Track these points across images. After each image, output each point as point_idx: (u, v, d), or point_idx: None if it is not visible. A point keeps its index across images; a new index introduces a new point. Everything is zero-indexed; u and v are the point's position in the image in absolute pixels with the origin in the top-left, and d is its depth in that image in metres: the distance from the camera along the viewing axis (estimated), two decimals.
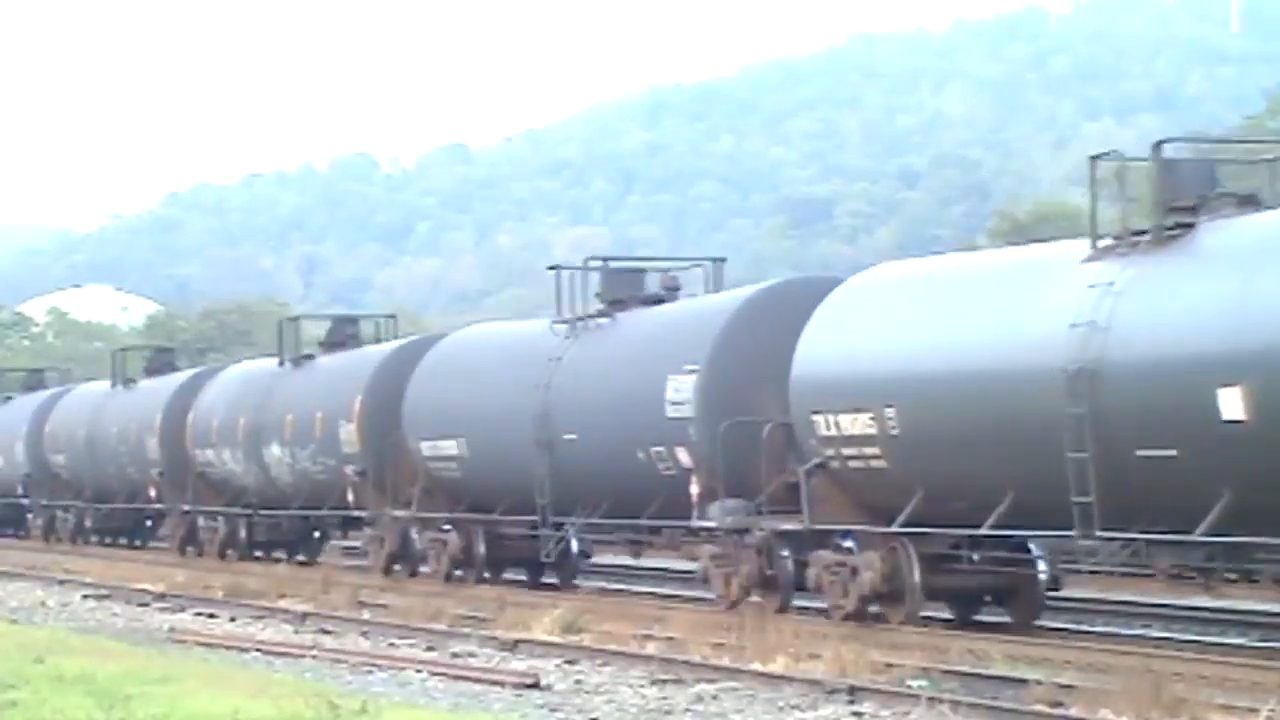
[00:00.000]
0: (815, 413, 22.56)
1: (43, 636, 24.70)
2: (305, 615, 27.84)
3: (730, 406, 24.46)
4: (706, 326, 25.38)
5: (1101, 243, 19.62)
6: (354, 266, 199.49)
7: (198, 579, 35.00)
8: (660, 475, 25.79)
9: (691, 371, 25.12)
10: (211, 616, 28.99)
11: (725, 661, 20.42)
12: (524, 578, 31.62)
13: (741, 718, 17.15)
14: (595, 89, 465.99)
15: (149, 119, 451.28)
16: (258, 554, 39.39)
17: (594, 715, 17.50)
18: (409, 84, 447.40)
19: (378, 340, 37.40)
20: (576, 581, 30.77)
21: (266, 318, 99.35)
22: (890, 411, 21.40)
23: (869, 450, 21.85)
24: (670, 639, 22.49)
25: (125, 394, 46.02)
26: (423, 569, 32.67)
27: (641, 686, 19.20)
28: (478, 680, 19.93)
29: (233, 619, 28.42)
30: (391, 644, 24.07)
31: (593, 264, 29.35)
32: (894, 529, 21.80)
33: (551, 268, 29.88)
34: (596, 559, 32.82)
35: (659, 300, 28.31)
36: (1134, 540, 18.69)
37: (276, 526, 38.80)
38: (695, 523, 24.92)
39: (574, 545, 29.86)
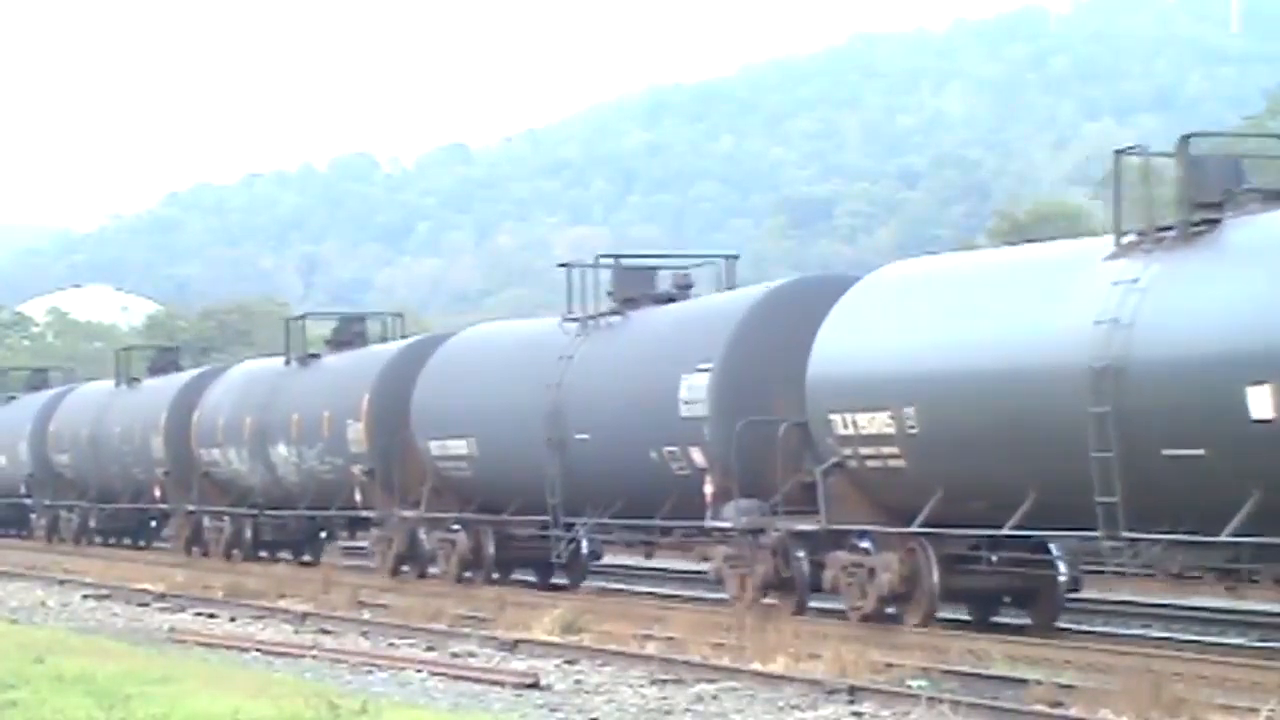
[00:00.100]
0: (832, 412, 22.30)
1: (43, 636, 24.63)
2: (305, 615, 27.76)
3: (745, 406, 24.21)
4: (721, 324, 25.11)
5: (1125, 239, 19.35)
6: (354, 266, 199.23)
7: (198, 579, 34.89)
8: (673, 475, 25.53)
9: (705, 370, 24.86)
10: (211, 616, 28.90)
11: (725, 661, 20.35)
12: (533, 578, 31.37)
13: (741, 718, 17.10)
14: (595, 89, 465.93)
15: (149, 119, 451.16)
16: (263, 554, 39.12)
17: (594, 715, 17.45)
18: (409, 84, 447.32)
19: (384, 339, 37.15)
20: (586, 582, 30.52)
21: (266, 318, 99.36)
22: (909, 410, 21.15)
23: (887, 450, 21.60)
24: (670, 639, 22.40)
25: (129, 393, 45.78)
26: (431, 570, 32.43)
27: (641, 686, 19.16)
28: (478, 680, 19.88)
29: (233, 619, 28.33)
30: (391, 644, 23.99)
31: (604, 261, 29.04)
32: (913, 529, 21.54)
33: (562, 265, 29.60)
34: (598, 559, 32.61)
35: (671, 298, 28.04)
36: (1160, 541, 18.45)
37: (283, 527, 38.54)
38: (709, 523, 24.64)
39: (584, 546, 29.61)
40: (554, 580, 30.82)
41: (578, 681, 19.76)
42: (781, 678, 18.84)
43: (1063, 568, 21.86)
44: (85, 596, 33.06)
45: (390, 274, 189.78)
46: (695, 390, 24.95)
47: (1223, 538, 17.79)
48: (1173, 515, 18.29)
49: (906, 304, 22.14)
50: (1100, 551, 19.20)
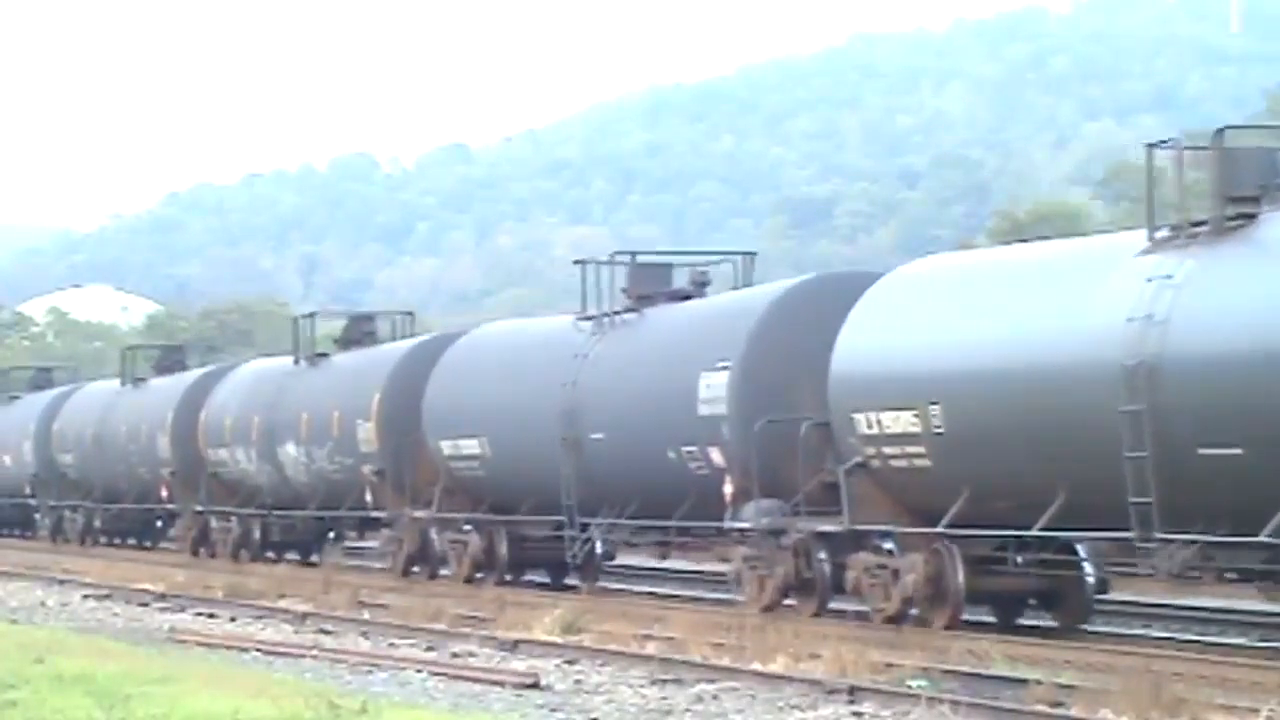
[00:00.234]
0: (856, 410, 21.97)
1: (43, 636, 24.44)
2: (305, 615, 27.61)
3: (765, 404, 23.85)
4: (740, 322, 24.76)
5: (1158, 234, 19.02)
6: (354, 266, 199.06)
7: (198, 579, 34.74)
8: (692, 475, 25.20)
9: (724, 368, 24.52)
10: (211, 616, 28.76)
11: (725, 661, 20.25)
12: (545, 579, 31.07)
13: (741, 718, 17.01)
14: (595, 89, 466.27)
15: (149, 119, 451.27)
16: (270, 555, 38.82)
17: (594, 715, 17.36)
18: (409, 84, 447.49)
19: (393, 338, 36.85)
20: (601, 583, 30.23)
21: (267, 318, 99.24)
22: (935, 409, 20.79)
23: (912, 449, 21.25)
24: (670, 639, 22.22)
25: (135, 393, 45.45)
26: (443, 570, 32.12)
27: (641, 686, 19.06)
28: (478, 680, 19.78)
29: (233, 619, 28.20)
30: (391, 644, 23.86)
31: (619, 258, 28.70)
32: (939, 530, 21.21)
33: (577, 261, 29.28)
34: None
35: (687, 296, 27.72)
36: (1195, 542, 18.14)
37: (291, 528, 38.22)
38: (729, 524, 24.29)
39: (598, 547, 29.28)
40: (567, 581, 30.50)
41: (578, 681, 19.68)
42: (781, 678, 18.75)
43: (1089, 569, 21.56)
44: (85, 596, 32.93)
45: (390, 274, 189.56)
46: (714, 388, 24.62)
47: (1261, 538, 17.44)
48: (1208, 516, 17.96)
49: (932, 301, 21.78)
50: (1132, 553, 18.90)
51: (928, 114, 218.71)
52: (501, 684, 19.37)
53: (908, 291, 22.36)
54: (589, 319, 28.44)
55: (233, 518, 39.59)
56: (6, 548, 49.10)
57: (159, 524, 46.13)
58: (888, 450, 21.61)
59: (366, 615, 27.51)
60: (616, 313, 28.09)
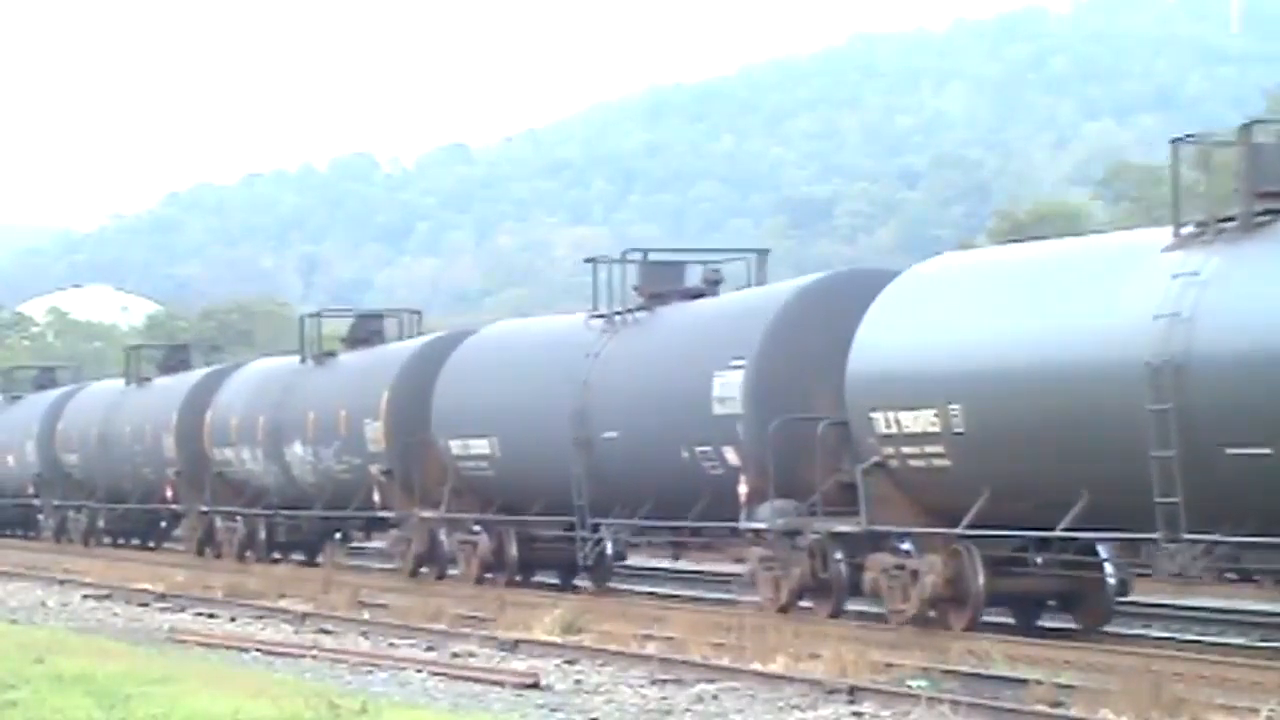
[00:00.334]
0: (874, 409, 21.68)
1: (43, 636, 24.49)
2: (305, 615, 27.57)
3: (780, 403, 23.57)
4: (755, 320, 24.47)
5: (1184, 230, 18.77)
6: (354, 266, 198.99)
7: (198, 579, 34.68)
8: (706, 475, 24.92)
9: (739, 367, 24.24)
10: (211, 616, 28.75)
11: (725, 661, 20.20)
12: (555, 580, 30.83)
13: (741, 718, 16.96)
14: (595, 89, 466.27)
15: (149, 119, 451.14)
16: (276, 556, 38.57)
17: (594, 715, 17.33)
18: (409, 84, 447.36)
19: (400, 337, 36.60)
20: (584, 582, 30.00)
21: (267, 318, 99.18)
22: (955, 408, 20.49)
23: (931, 449, 20.95)
24: (670, 639, 22.15)
25: (139, 392, 45.17)
26: (451, 571, 31.87)
27: (641, 686, 19.01)
28: (478, 680, 19.75)
29: (233, 619, 28.20)
30: (391, 644, 23.81)
31: (631, 256, 28.44)
32: (959, 531, 20.92)
33: (589, 260, 29.04)
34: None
35: (700, 294, 27.45)
36: (1223, 543, 17.90)
37: (297, 528, 37.95)
38: (745, 524, 24.00)
39: (609, 547, 29.04)
40: (576, 582, 30.28)
41: (578, 681, 19.63)
42: (781, 678, 18.70)
43: (1111, 570, 21.28)
44: (85, 596, 32.88)
45: (390, 274, 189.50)
46: (729, 387, 24.35)
47: None
48: (1236, 516, 17.70)
49: (952, 298, 21.48)
50: (1157, 554, 18.67)
51: (928, 114, 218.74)
52: (501, 684, 19.34)
53: (927, 289, 22.06)
54: (600, 317, 28.18)
55: (238, 518, 39.31)
56: (8, 548, 48.96)
57: (163, 524, 45.87)
58: (906, 450, 21.33)
59: (366, 615, 27.48)
60: (628, 311, 27.83)
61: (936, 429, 20.85)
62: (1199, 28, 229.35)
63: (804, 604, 23.59)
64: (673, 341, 26.43)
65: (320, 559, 37.90)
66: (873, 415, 21.74)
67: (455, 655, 22.22)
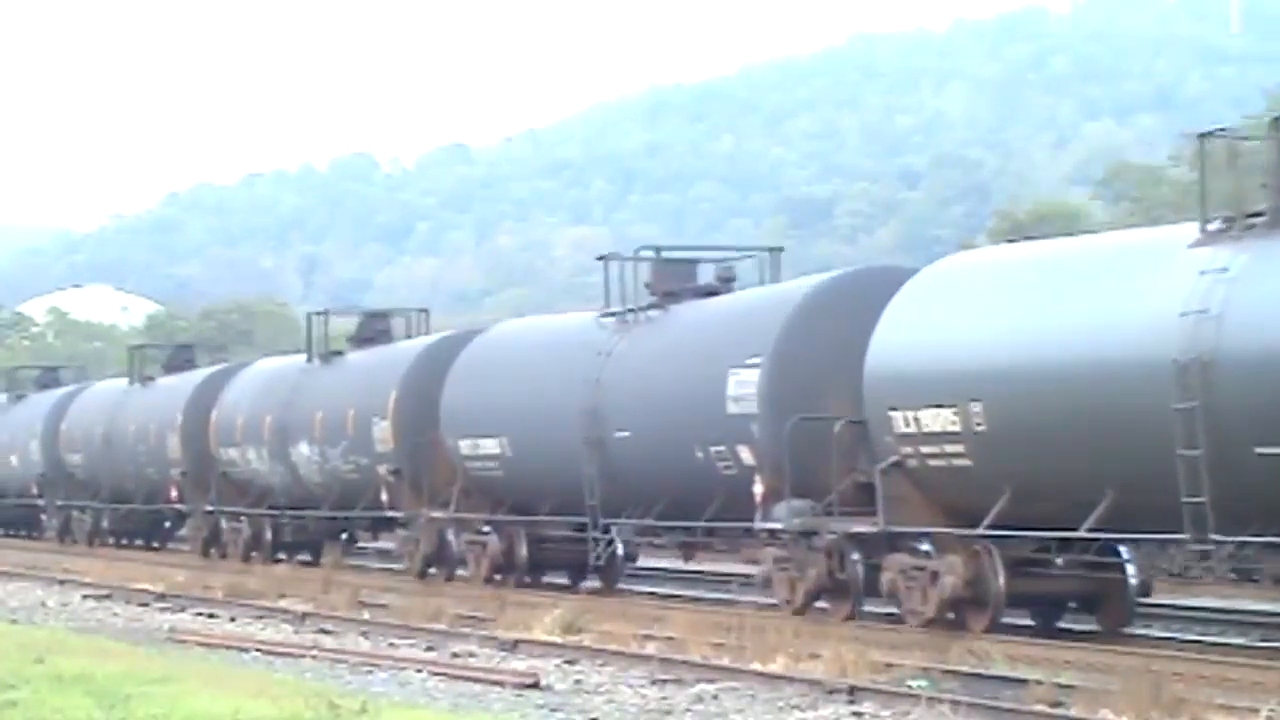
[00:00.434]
0: (892, 408, 21.46)
1: (43, 636, 24.49)
2: (305, 615, 27.54)
3: (797, 402, 23.35)
4: (771, 317, 24.25)
5: (1211, 226, 18.53)
6: (354, 266, 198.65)
7: (198, 579, 34.60)
8: (720, 474, 24.71)
9: (755, 365, 24.03)
10: (211, 616, 28.75)
11: (725, 661, 20.19)
12: (564, 581, 30.64)
13: (741, 718, 16.95)
14: (595, 89, 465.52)
15: (149, 119, 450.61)
16: (282, 556, 38.38)
17: (594, 715, 17.33)
18: (409, 84, 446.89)
19: (408, 336, 36.41)
20: (586, 583, 29.80)
21: (266, 318, 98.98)
22: (976, 407, 20.27)
23: (951, 448, 20.73)
24: (670, 639, 22.11)
25: (143, 392, 44.94)
26: (460, 572, 31.67)
27: (641, 686, 19.01)
28: (478, 680, 19.75)
29: (233, 619, 28.19)
30: (391, 644, 23.80)
31: (644, 254, 28.22)
32: (979, 532, 20.68)
33: (600, 258, 28.85)
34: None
35: (713, 292, 27.22)
36: (1251, 544, 17.69)
37: (304, 528, 37.73)
38: (760, 524, 23.78)
39: (619, 548, 28.84)
40: (586, 583, 30.09)
41: (578, 681, 19.63)
42: (781, 678, 18.70)
43: (1133, 571, 21.07)
44: (85, 596, 32.85)
45: (390, 274, 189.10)
46: (744, 386, 24.14)
47: None
48: (1265, 516, 17.47)
49: (973, 295, 21.25)
50: (1183, 555, 18.49)
51: (928, 114, 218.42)
52: (501, 684, 19.33)
53: (947, 286, 21.83)
54: (612, 315, 27.96)
55: (244, 518, 39.11)
56: (9, 548, 48.79)
57: (168, 525, 45.66)
58: (926, 449, 21.12)
59: (366, 615, 27.45)
60: (641, 309, 27.63)
61: (957, 428, 20.63)
62: (1199, 28, 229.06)
63: (820, 605, 23.43)
64: (686, 340, 26.22)
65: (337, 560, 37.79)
66: (891, 414, 21.52)
67: (455, 655, 22.24)
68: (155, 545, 46.52)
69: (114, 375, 61.50)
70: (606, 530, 27.67)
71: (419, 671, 20.54)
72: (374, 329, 36.67)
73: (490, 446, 30.04)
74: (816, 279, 25.07)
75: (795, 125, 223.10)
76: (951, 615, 21.44)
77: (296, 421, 36.18)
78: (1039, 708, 16.14)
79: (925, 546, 21.78)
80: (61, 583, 35.66)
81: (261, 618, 28.01)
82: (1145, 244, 20.12)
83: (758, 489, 23.91)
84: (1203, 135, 19.00)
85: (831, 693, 17.65)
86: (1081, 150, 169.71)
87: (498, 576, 30.25)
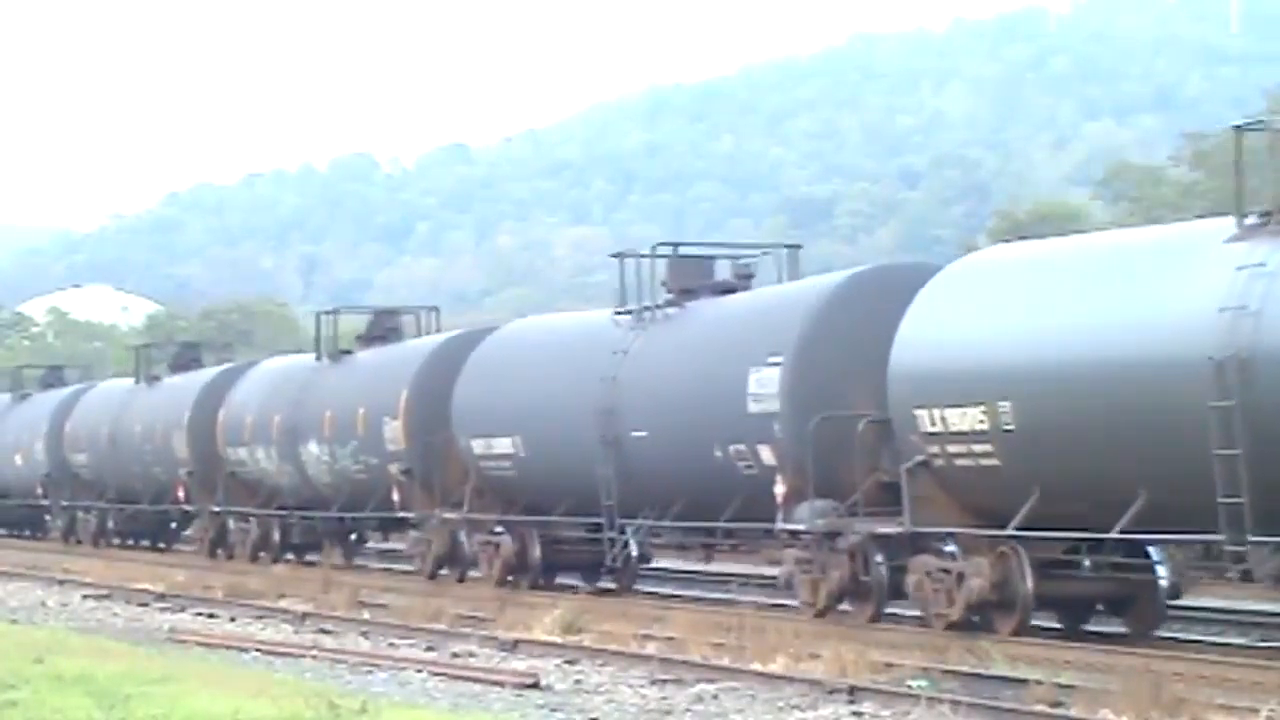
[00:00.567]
0: (918, 407, 21.09)
1: (43, 636, 24.53)
2: (305, 615, 27.49)
3: (819, 400, 23.00)
4: (793, 315, 23.88)
5: (1248, 220, 18.19)
6: (354, 266, 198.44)
7: (198, 579, 34.49)
8: (740, 474, 24.37)
9: (776, 363, 23.70)
10: (211, 616, 28.73)
11: (725, 661, 20.19)
12: (579, 582, 30.34)
13: (741, 718, 16.98)
14: (595, 89, 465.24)
15: (149, 119, 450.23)
16: (290, 557, 38.10)
17: (594, 715, 17.36)
18: (409, 84, 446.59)
19: (417, 334, 36.13)
20: (637, 587, 29.54)
21: (266, 318, 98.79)
22: (1005, 405, 19.91)
23: (979, 447, 20.36)
24: (670, 639, 22.06)
25: (150, 391, 44.57)
26: (472, 573, 31.38)
27: (641, 686, 19.02)
28: (478, 680, 19.77)
29: (233, 619, 28.18)
30: (391, 644, 23.80)
31: (660, 251, 27.91)
32: (1008, 533, 20.34)
33: (615, 255, 28.55)
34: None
35: (731, 289, 26.88)
36: None
37: (312, 529, 37.41)
38: (783, 525, 23.42)
39: (634, 549, 28.53)
40: (601, 585, 29.81)
41: (578, 681, 19.63)
42: (781, 678, 18.69)
43: (1163, 572, 20.74)
44: (85, 596, 32.81)
45: (390, 274, 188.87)
46: (765, 384, 23.80)
47: None
48: None
49: (1001, 291, 20.88)
50: (1219, 556, 18.21)
51: (928, 114, 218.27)
52: (501, 684, 19.32)
53: (974, 282, 21.47)
54: (628, 313, 27.66)
55: (251, 519, 38.80)
56: (10, 548, 48.54)
57: (174, 525, 45.36)
58: (952, 448, 20.75)
59: (366, 615, 27.38)
60: (658, 307, 27.33)
61: (985, 427, 20.28)
62: (1199, 28, 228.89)
63: (843, 606, 23.15)
64: (705, 338, 25.89)
65: (337, 560, 37.53)
66: (917, 412, 21.17)
67: (455, 655, 22.19)
68: (161, 546, 46.19)
69: (114, 375, 61.24)
70: (622, 531, 27.35)
71: (419, 671, 20.53)
72: (384, 327, 36.31)
73: (504, 446, 29.72)
74: (839, 275, 24.68)
75: (795, 125, 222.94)
76: (977, 618, 21.12)
77: (305, 421, 35.86)
78: (1039, 708, 16.10)
79: (950, 548, 21.43)
80: (61, 583, 35.57)
81: (261, 618, 28.04)
82: (1180, 239, 19.75)
83: (779, 489, 23.54)
84: (1238, 128, 18.69)
85: (831, 693, 17.62)
86: (1081, 150, 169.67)
87: (510, 578, 29.95)
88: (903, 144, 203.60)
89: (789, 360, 23.55)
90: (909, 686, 17.65)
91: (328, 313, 37.78)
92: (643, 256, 27.79)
